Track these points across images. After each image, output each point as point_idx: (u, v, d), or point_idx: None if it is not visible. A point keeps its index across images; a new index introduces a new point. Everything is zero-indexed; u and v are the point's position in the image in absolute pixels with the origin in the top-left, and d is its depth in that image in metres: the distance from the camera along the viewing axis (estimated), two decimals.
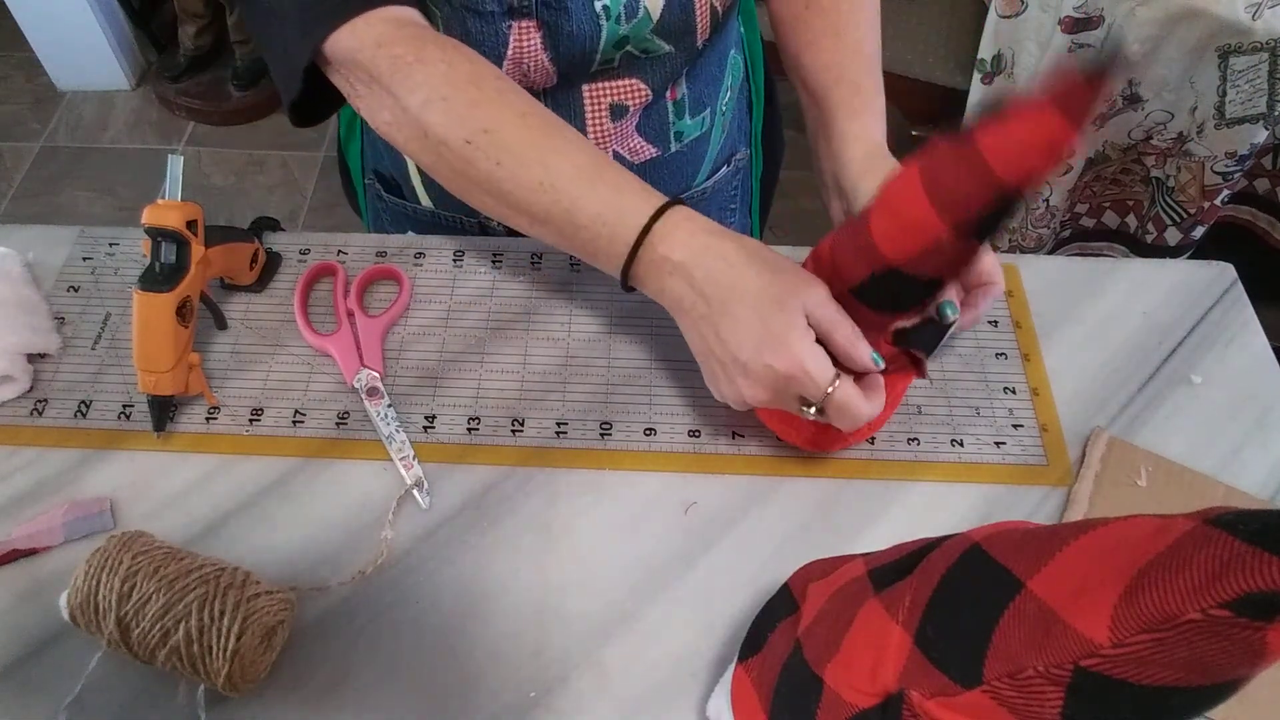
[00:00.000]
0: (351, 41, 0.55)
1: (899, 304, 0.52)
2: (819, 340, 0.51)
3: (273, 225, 0.73)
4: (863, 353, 0.51)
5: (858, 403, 0.51)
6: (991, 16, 1.35)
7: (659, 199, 0.54)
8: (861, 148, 0.62)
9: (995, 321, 0.68)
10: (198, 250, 0.59)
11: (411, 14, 0.57)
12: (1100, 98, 0.40)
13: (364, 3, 0.55)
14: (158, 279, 0.58)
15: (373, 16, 0.55)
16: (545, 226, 0.55)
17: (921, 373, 0.57)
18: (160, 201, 0.59)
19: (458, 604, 0.55)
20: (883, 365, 0.52)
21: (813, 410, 0.51)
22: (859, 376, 0.53)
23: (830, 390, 0.50)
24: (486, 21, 0.59)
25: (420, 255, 0.72)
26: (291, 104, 0.60)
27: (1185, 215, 1.37)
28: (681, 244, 0.52)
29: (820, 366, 0.50)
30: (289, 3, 0.56)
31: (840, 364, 0.51)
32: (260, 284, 0.69)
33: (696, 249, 0.52)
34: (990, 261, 0.57)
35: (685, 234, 0.52)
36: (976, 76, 1.43)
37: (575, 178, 0.53)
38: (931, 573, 0.39)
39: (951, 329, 0.56)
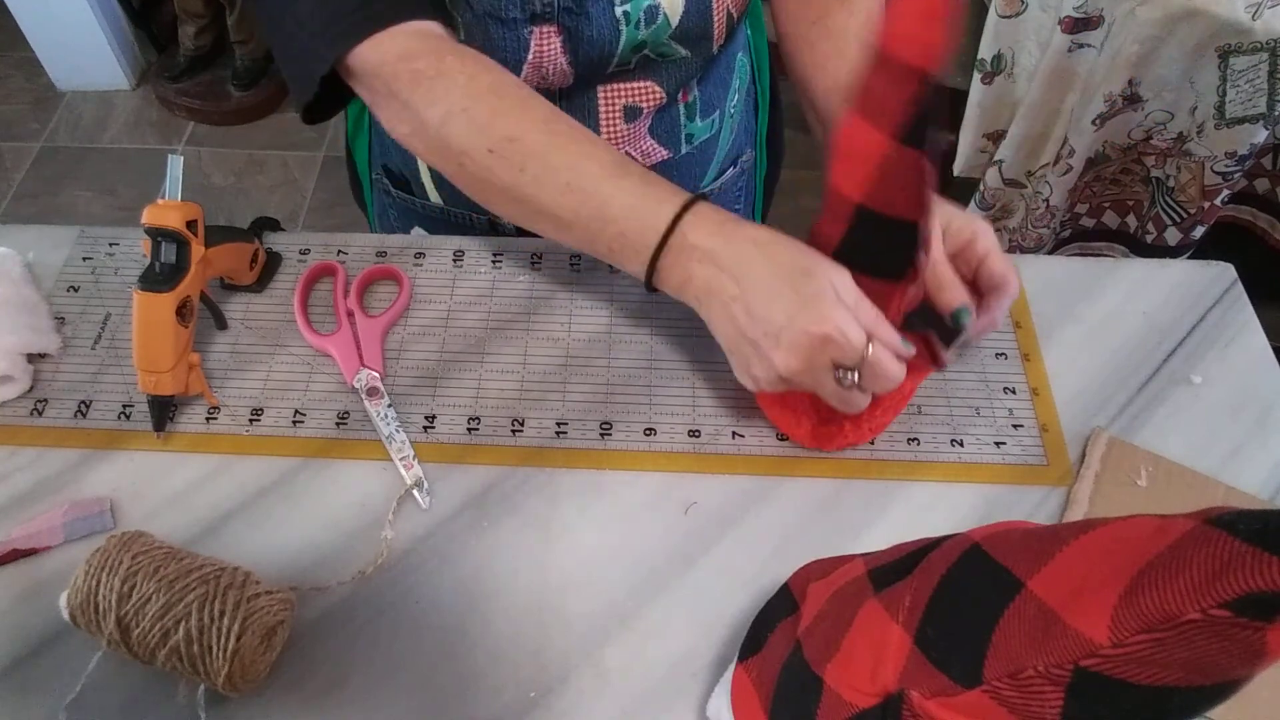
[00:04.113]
0: (374, 55, 0.56)
1: (882, 259, 0.52)
2: None
3: (273, 225, 0.73)
4: (890, 335, 0.51)
5: (891, 364, 0.51)
6: (991, 16, 1.35)
7: (685, 194, 0.54)
8: None
9: None
10: (198, 250, 0.59)
11: (434, 27, 0.58)
12: None
13: (388, 17, 0.56)
14: (158, 279, 0.58)
15: (396, 31, 0.56)
16: (570, 230, 0.56)
17: (939, 363, 0.56)
18: (160, 201, 0.59)
19: (458, 604, 0.55)
20: (912, 351, 0.52)
21: (849, 376, 0.51)
22: None
23: (869, 352, 0.50)
24: (509, 28, 0.59)
25: (420, 255, 0.72)
26: (304, 105, 0.60)
27: (1185, 215, 1.37)
28: (711, 232, 0.52)
29: (855, 329, 0.50)
30: (311, 12, 0.56)
31: None
32: (260, 284, 0.69)
33: (726, 235, 0.52)
34: (1002, 264, 0.58)
35: (714, 223, 0.53)
36: (976, 76, 1.43)
37: (602, 177, 0.54)
38: (931, 573, 0.39)
39: (964, 334, 0.56)
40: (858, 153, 0.49)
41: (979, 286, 0.59)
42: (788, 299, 0.50)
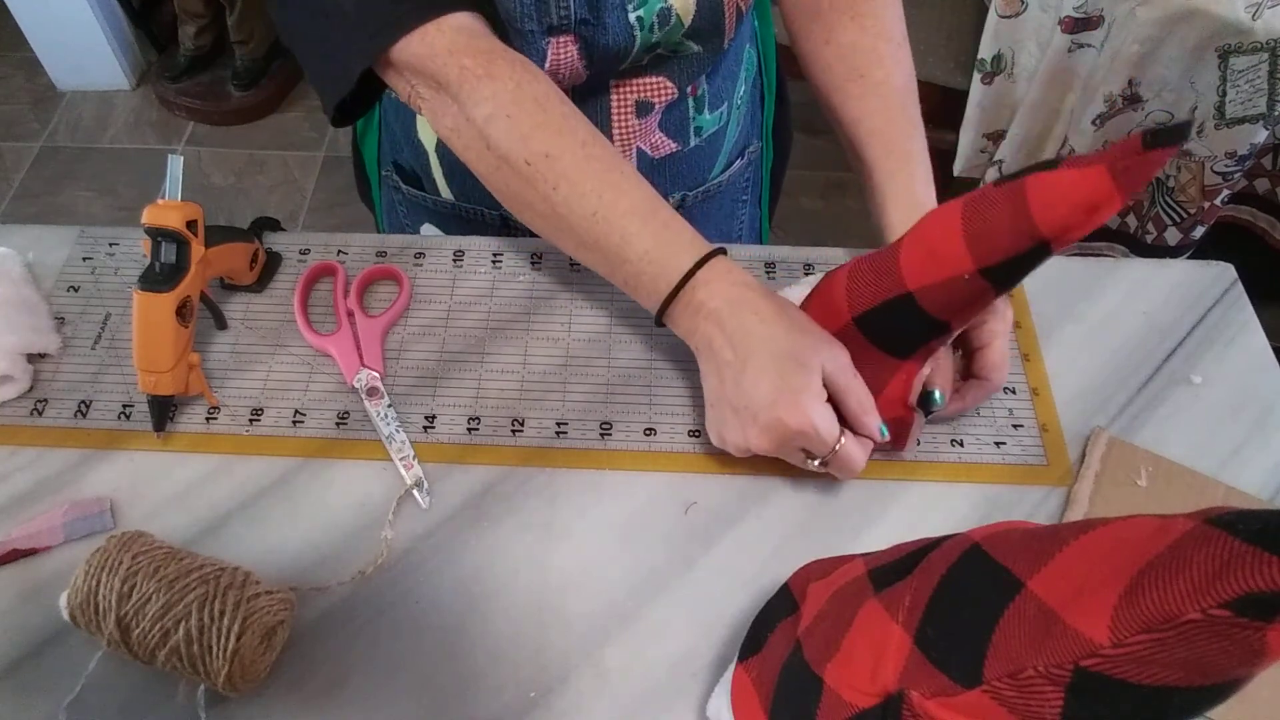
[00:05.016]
0: (421, 48, 0.56)
1: (899, 339, 0.53)
2: (832, 400, 0.53)
3: (273, 225, 0.73)
4: (871, 425, 0.54)
5: (859, 456, 0.54)
6: (991, 16, 1.35)
7: (705, 246, 0.56)
8: (900, 211, 0.62)
9: None
10: (198, 250, 0.59)
11: (479, 24, 0.58)
12: (1155, 170, 0.40)
13: (434, 10, 0.56)
14: (158, 279, 0.58)
15: (443, 24, 0.56)
16: (592, 253, 0.57)
17: (900, 446, 0.59)
18: (160, 201, 0.59)
19: (458, 604, 0.55)
20: (886, 437, 0.55)
21: (816, 463, 0.54)
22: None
23: (836, 448, 0.53)
24: (527, 40, 0.60)
25: (420, 255, 0.72)
26: (337, 103, 0.60)
27: (1185, 215, 1.37)
28: (720, 293, 0.54)
29: (828, 426, 0.52)
30: (351, 5, 0.56)
31: (845, 424, 0.54)
32: (260, 284, 0.69)
33: (733, 300, 0.54)
34: (998, 358, 0.58)
35: (725, 284, 0.54)
36: (976, 76, 1.43)
37: (629, 213, 0.55)
38: (931, 573, 0.39)
39: (930, 415, 0.59)
40: (937, 256, 0.48)
41: (971, 367, 0.60)
42: (773, 383, 0.52)
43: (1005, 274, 0.46)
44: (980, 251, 0.46)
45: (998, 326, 0.58)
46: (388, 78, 0.59)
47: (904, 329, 0.53)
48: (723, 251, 0.56)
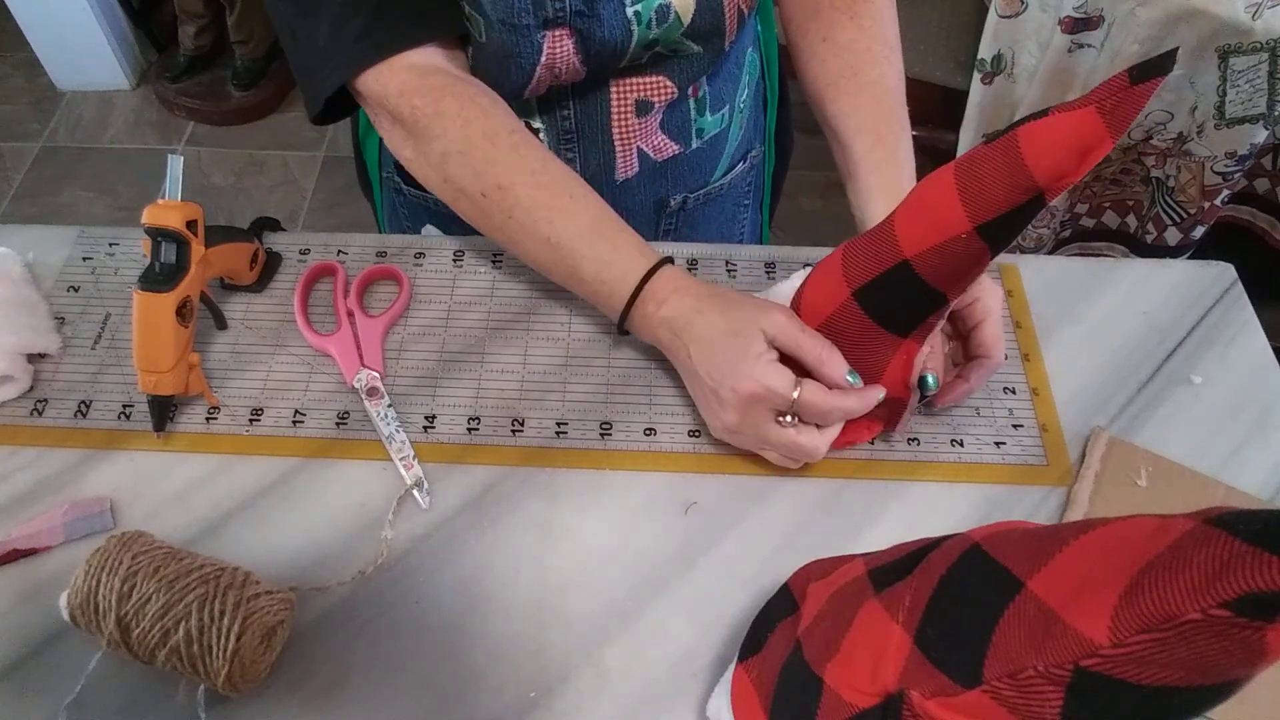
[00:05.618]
0: (376, 86, 0.59)
1: (898, 313, 0.53)
2: (790, 361, 0.55)
3: (273, 225, 0.73)
4: (831, 372, 0.54)
5: (827, 398, 0.54)
6: (991, 16, 1.35)
7: (652, 258, 0.59)
8: (883, 203, 0.63)
9: None
10: (198, 250, 0.59)
11: (435, 59, 0.61)
12: (1142, 104, 0.40)
13: (388, 48, 0.59)
14: (158, 279, 0.58)
15: (396, 63, 0.59)
16: (553, 273, 0.62)
17: (893, 427, 0.59)
18: (160, 201, 0.59)
19: (458, 604, 0.55)
20: (858, 383, 0.55)
21: (789, 419, 0.55)
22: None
23: (795, 395, 0.53)
24: (522, 34, 0.61)
25: (420, 255, 0.72)
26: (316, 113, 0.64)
27: (1185, 215, 1.37)
28: (667, 301, 0.57)
29: (778, 380, 0.53)
30: (320, 36, 0.59)
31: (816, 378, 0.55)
32: (260, 284, 0.69)
33: (678, 304, 0.57)
34: (993, 334, 0.59)
35: (669, 292, 0.58)
36: (976, 76, 1.43)
37: (579, 236, 0.59)
38: (931, 573, 0.39)
39: (925, 399, 0.59)
40: (933, 219, 0.49)
41: (968, 350, 0.60)
42: (719, 362, 0.55)
43: (1000, 230, 0.47)
44: (976, 209, 0.46)
45: (990, 303, 0.59)
46: (359, 102, 0.63)
47: (902, 300, 0.53)
48: (669, 260, 0.59)
